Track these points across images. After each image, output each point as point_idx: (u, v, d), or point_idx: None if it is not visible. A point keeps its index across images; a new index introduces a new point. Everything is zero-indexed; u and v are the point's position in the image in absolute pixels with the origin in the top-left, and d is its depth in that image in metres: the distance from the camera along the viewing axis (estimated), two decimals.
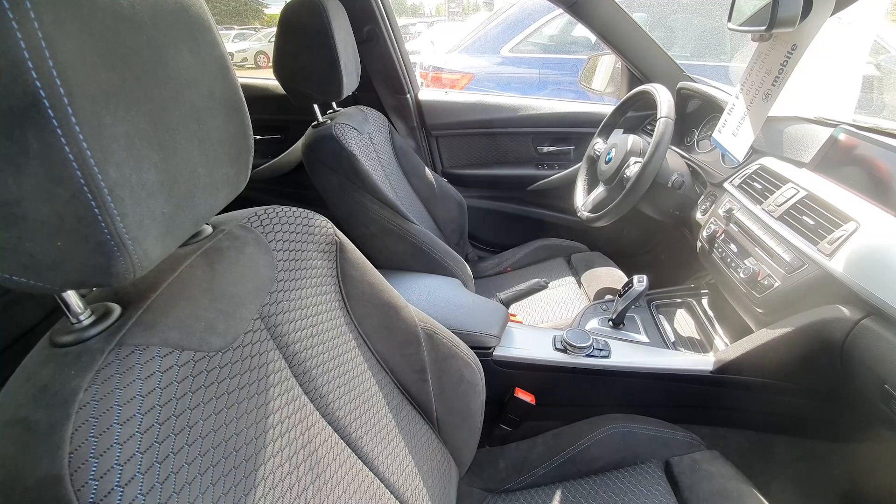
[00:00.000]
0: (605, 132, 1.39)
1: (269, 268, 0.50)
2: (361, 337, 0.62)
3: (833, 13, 0.84)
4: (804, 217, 0.80)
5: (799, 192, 0.84)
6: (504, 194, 1.72)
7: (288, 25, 0.98)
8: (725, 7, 1.02)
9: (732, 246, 0.94)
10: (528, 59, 2.92)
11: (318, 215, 0.58)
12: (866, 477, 0.91)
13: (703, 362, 0.91)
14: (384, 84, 1.52)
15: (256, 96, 1.66)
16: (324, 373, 0.54)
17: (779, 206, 0.86)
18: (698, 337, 1.07)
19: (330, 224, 0.59)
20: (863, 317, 0.66)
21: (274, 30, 1.02)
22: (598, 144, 1.38)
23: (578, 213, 1.31)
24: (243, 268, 0.46)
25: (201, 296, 0.41)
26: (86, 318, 0.35)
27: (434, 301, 0.98)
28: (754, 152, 1.03)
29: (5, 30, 0.23)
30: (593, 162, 1.39)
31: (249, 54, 11.97)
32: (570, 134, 1.65)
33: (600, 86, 1.70)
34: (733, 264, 0.91)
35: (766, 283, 0.82)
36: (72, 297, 0.34)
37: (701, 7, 2.89)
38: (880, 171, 0.76)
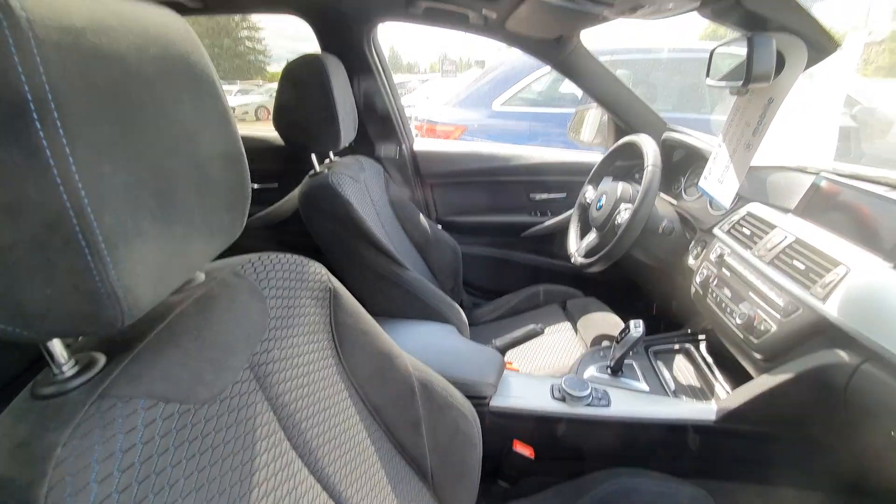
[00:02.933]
0: (595, 180, 1.43)
1: (262, 315, 0.49)
2: (354, 387, 0.60)
3: (805, 69, 0.89)
4: (794, 261, 0.81)
5: (787, 236, 0.86)
6: (498, 240, 1.74)
7: (290, 80, 1.02)
8: (702, 65, 1.09)
9: (726, 291, 0.94)
10: (518, 112, 3.04)
11: (312, 261, 0.58)
12: None
13: (705, 411, 0.88)
14: (380, 135, 1.57)
15: (255, 147, 1.70)
16: (313, 426, 0.51)
17: (769, 250, 0.87)
18: (698, 384, 1.05)
19: (324, 270, 0.59)
20: (862, 361, 0.65)
21: (275, 85, 1.06)
22: (589, 192, 1.41)
23: (572, 259, 1.32)
24: (235, 315, 0.46)
25: (190, 344, 0.40)
26: (69, 369, 0.34)
27: (429, 348, 0.96)
28: (740, 199, 1.06)
29: (14, 80, 0.24)
30: (585, 209, 1.42)
31: (251, 108, 12.52)
32: (562, 182, 1.69)
33: (588, 137, 1.77)
34: (728, 309, 0.91)
35: (762, 327, 0.82)
36: (57, 346, 0.33)
37: (679, 66, 3.07)
38: (864, 216, 0.78)
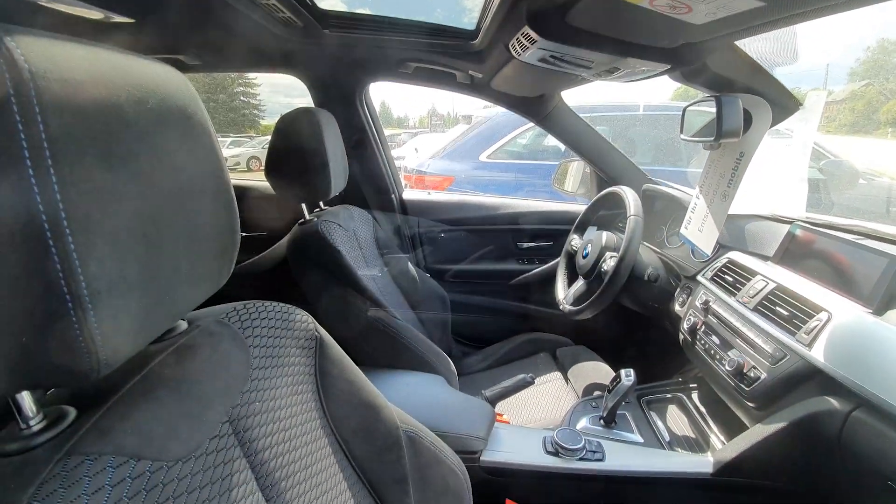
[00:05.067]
0: (580, 229, 1.46)
1: (244, 365, 0.47)
2: (338, 441, 0.57)
3: (771, 126, 0.95)
4: (777, 308, 0.82)
5: (768, 283, 0.88)
6: (486, 289, 1.74)
7: (283, 132, 1.05)
8: (676, 121, 1.15)
9: (714, 338, 0.95)
10: (504, 164, 3.16)
11: (298, 310, 0.57)
12: None
13: (701, 463, 0.86)
14: (370, 185, 1.61)
15: (246, 196, 1.72)
16: (293, 485, 0.48)
17: (752, 297, 0.89)
18: (693, 435, 1.03)
19: (310, 319, 0.58)
20: (853, 408, 0.65)
21: (267, 138, 1.10)
22: (575, 240, 1.44)
23: (561, 307, 1.32)
24: (216, 366, 0.44)
25: (167, 396, 0.38)
26: (36, 424, 0.32)
27: (417, 400, 0.93)
28: (721, 247, 1.09)
29: (11, 128, 0.24)
30: (571, 257, 1.44)
31: (242, 159, 12.76)
32: (548, 230, 1.73)
33: (572, 188, 1.83)
34: (717, 356, 0.91)
35: (752, 375, 0.81)
36: (26, 399, 0.32)
37: (655, 122, 3.25)
38: (841, 263, 0.80)
